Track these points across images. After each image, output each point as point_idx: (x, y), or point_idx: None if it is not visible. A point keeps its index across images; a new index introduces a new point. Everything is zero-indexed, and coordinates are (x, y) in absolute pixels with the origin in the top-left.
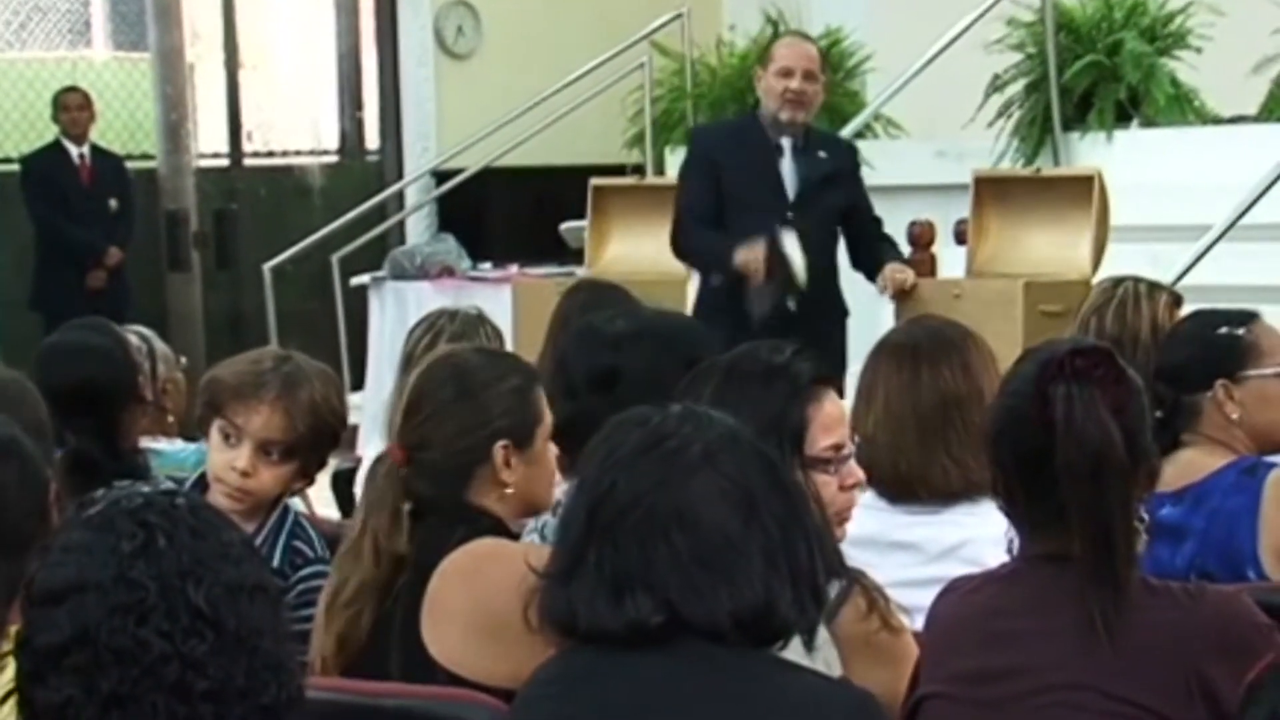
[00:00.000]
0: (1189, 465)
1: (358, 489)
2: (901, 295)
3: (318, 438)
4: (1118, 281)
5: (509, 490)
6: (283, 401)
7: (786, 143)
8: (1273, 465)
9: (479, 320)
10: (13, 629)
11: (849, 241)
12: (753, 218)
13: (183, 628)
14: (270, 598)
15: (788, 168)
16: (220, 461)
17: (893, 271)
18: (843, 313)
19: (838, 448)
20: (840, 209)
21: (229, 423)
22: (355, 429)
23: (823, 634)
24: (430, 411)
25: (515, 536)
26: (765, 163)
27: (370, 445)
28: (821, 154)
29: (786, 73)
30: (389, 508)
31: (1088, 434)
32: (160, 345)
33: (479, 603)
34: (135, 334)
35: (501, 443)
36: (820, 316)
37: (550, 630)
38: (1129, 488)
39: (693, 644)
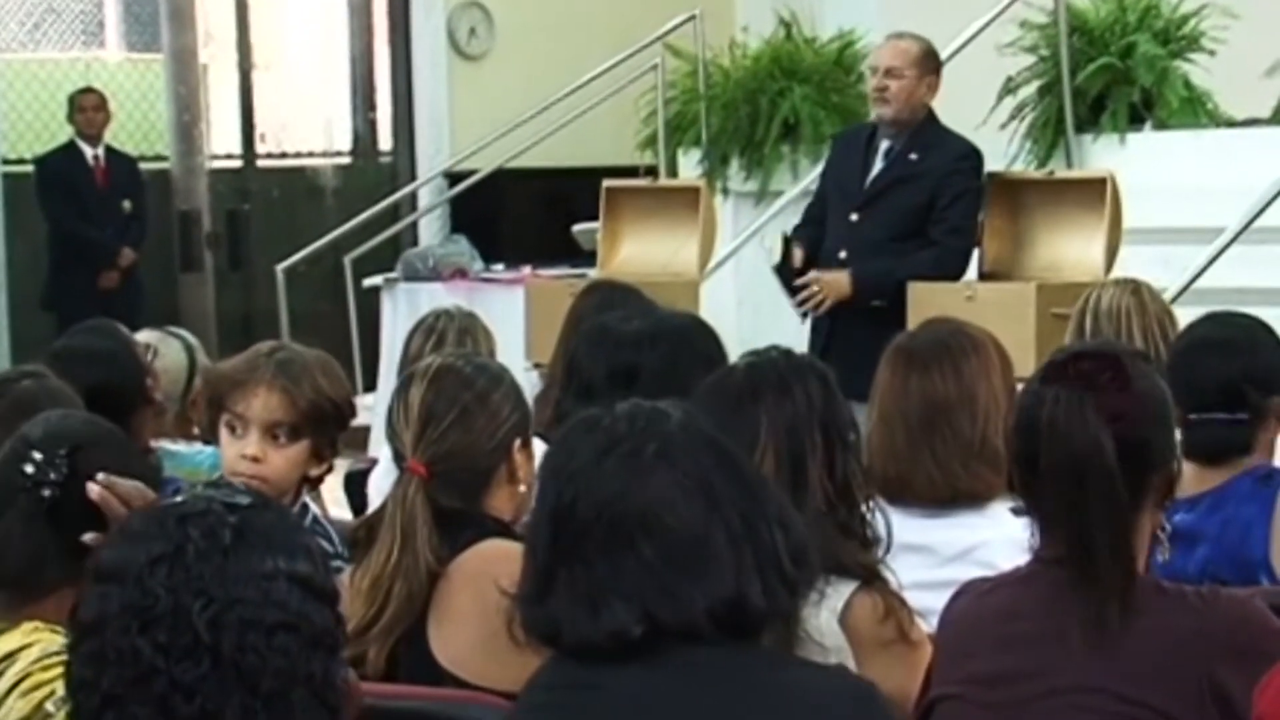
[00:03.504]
0: (1206, 472)
1: (370, 490)
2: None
3: (321, 415)
4: (1128, 283)
5: (521, 487)
6: (279, 381)
7: (884, 144)
8: None
9: (473, 315)
10: None
11: None
12: (830, 214)
13: (181, 647)
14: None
15: (876, 168)
16: (231, 454)
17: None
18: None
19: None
20: (915, 209)
21: (232, 414)
22: (367, 430)
23: (840, 639)
24: (448, 424)
25: (520, 538)
26: (854, 163)
27: (383, 447)
28: (913, 155)
29: (872, 71)
30: (429, 524)
31: (1072, 439)
32: (203, 358)
33: (487, 605)
34: (181, 340)
35: (517, 441)
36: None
37: (537, 643)
38: (1116, 494)
39: (679, 650)
